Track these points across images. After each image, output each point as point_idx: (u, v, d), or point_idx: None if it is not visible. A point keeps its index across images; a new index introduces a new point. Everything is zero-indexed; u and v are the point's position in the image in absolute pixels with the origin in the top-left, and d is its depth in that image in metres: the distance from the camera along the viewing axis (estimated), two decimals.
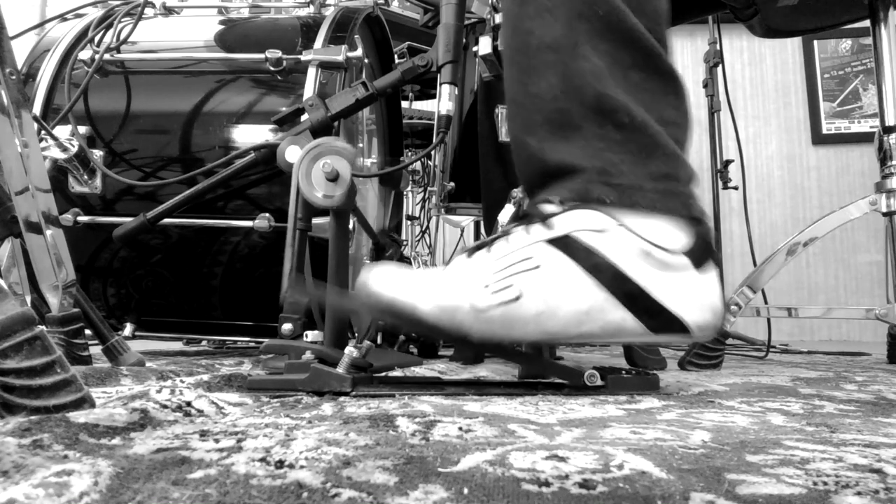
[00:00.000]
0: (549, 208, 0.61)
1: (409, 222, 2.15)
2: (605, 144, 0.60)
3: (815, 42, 3.13)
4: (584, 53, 0.61)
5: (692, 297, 0.59)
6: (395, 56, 1.48)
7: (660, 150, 0.60)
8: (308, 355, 0.65)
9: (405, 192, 1.86)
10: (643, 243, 0.58)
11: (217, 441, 0.36)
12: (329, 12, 1.18)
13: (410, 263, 1.84)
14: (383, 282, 0.62)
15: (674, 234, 0.59)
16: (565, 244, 0.59)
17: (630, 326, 0.58)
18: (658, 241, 0.58)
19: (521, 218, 0.64)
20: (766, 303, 1.15)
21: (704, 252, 0.60)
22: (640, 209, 0.59)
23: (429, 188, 1.37)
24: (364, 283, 0.62)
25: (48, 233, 0.72)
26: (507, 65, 0.68)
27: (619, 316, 0.58)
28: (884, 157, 1.03)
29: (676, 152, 0.61)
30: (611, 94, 0.60)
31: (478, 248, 0.63)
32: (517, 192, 0.94)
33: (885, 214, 1.02)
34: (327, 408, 0.51)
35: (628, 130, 0.60)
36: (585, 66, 0.61)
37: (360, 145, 1.36)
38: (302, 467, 0.30)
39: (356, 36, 1.17)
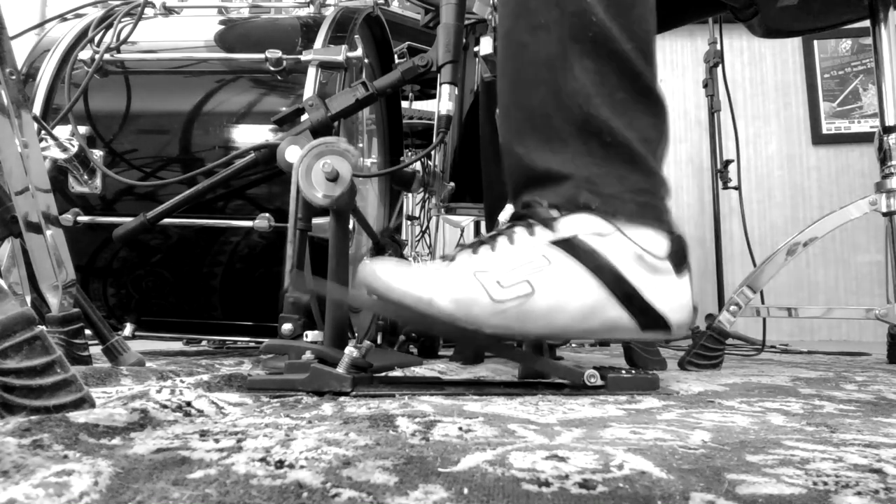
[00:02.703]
0: (550, 212, 0.64)
1: (409, 222, 2.14)
2: (591, 159, 0.65)
3: (815, 42, 3.13)
4: (574, 73, 0.65)
5: (674, 298, 0.64)
6: (395, 56, 1.47)
7: (639, 167, 0.66)
8: (308, 355, 0.65)
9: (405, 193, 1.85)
10: (637, 248, 0.63)
11: (217, 441, 0.36)
12: (329, 12, 1.18)
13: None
14: (391, 276, 0.62)
15: (659, 241, 0.64)
16: (570, 246, 0.62)
17: (624, 324, 0.63)
18: (648, 247, 0.63)
19: (516, 218, 0.67)
20: (762, 302, 1.15)
21: (682, 258, 0.65)
22: (621, 217, 0.63)
23: (429, 188, 1.37)
24: (369, 276, 0.62)
25: (48, 233, 0.72)
26: (501, 73, 0.72)
27: (616, 314, 0.62)
28: (884, 157, 1.03)
29: (655, 169, 0.67)
30: (596, 116, 0.64)
31: (479, 244, 0.64)
32: None
33: (885, 214, 1.02)
34: (327, 408, 0.51)
35: (612, 149, 0.65)
36: (574, 87, 0.65)
37: (360, 145, 1.36)
38: (302, 467, 0.30)
39: (356, 36, 1.17)
